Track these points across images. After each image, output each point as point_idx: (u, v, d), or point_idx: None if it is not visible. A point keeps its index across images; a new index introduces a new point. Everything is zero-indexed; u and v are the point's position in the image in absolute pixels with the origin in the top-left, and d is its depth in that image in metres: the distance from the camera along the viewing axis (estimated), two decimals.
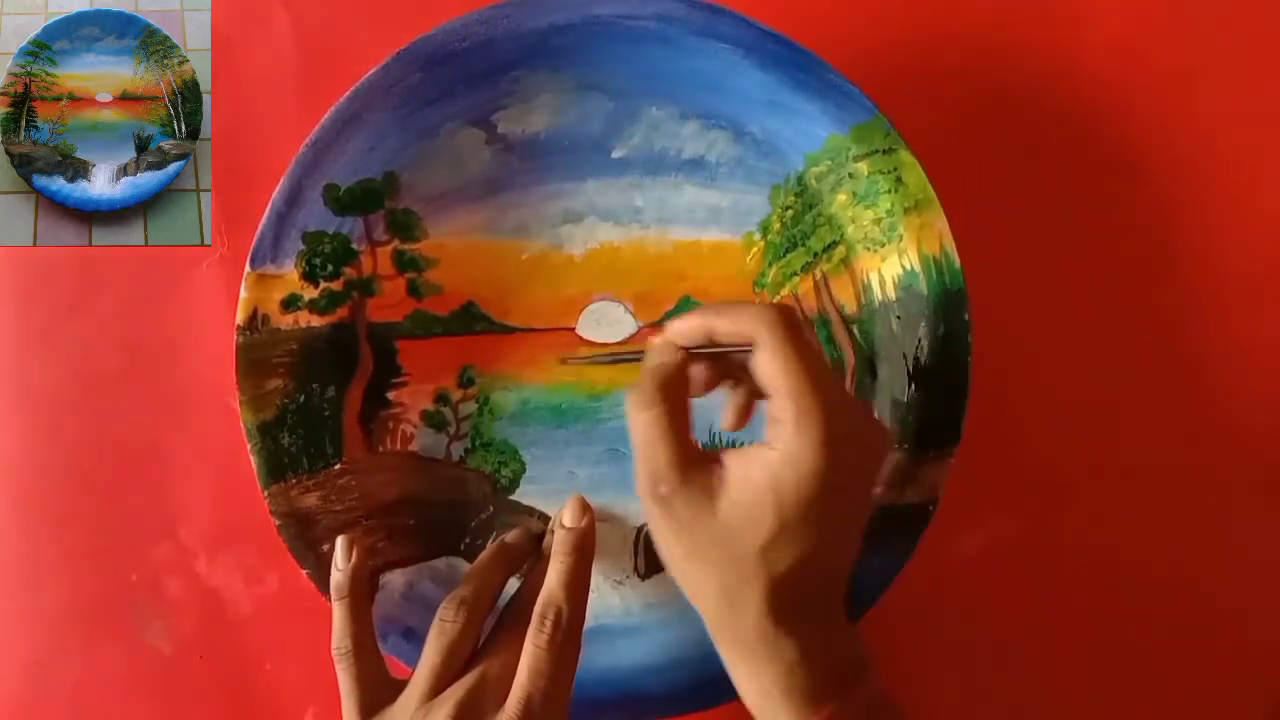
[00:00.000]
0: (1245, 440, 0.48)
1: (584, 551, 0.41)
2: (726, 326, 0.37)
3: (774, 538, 0.34)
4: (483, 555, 0.43)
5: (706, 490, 0.35)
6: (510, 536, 0.44)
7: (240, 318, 0.43)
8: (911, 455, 0.43)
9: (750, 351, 0.36)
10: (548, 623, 0.39)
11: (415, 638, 0.43)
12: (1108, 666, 0.48)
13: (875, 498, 0.40)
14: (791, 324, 0.36)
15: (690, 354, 0.38)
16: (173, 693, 0.48)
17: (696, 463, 0.36)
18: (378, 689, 0.40)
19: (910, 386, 0.44)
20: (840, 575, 0.37)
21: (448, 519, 0.46)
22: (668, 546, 0.37)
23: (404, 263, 0.45)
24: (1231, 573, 0.48)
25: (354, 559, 0.42)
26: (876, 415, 0.40)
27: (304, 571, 0.44)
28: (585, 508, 0.42)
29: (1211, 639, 0.48)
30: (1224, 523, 0.48)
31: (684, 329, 0.38)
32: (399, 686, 0.40)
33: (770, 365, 0.35)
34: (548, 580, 0.40)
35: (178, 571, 0.48)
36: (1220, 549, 0.48)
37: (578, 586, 0.40)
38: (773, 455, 0.35)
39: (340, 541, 0.43)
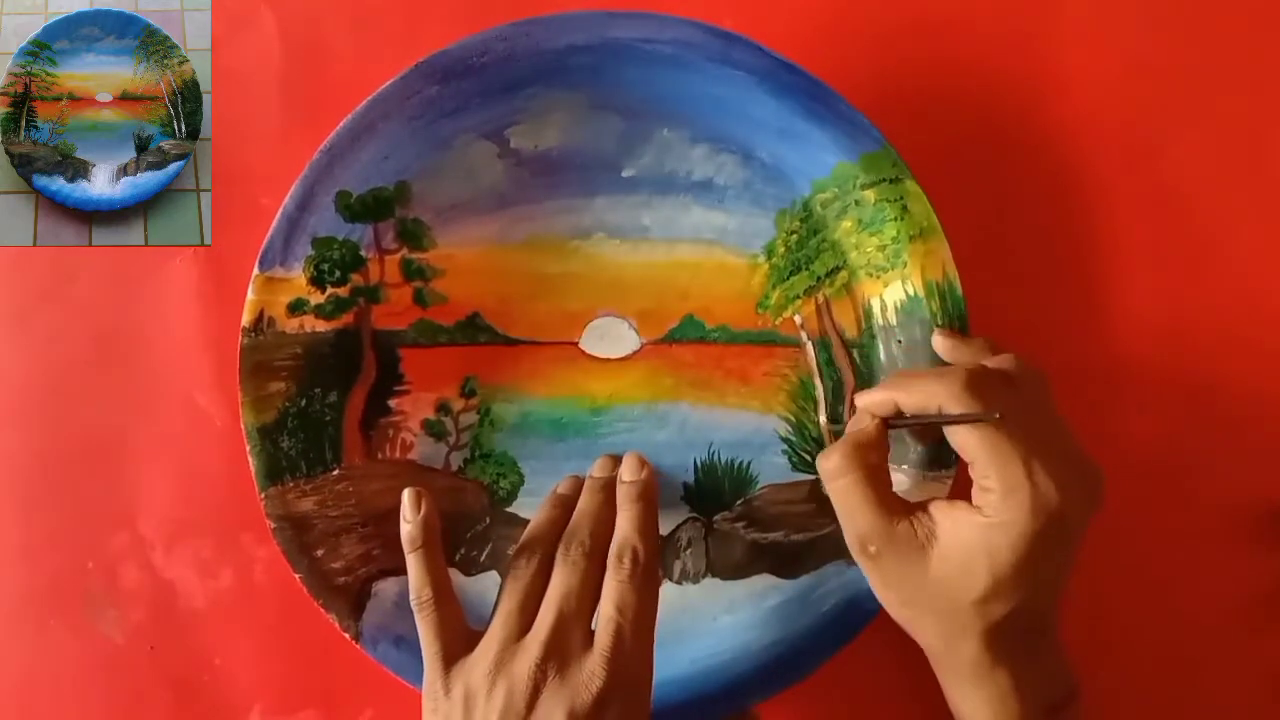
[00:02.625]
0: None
1: (648, 498, 0.42)
2: (911, 401, 0.38)
3: (987, 594, 0.36)
4: (541, 507, 0.43)
5: (915, 545, 0.37)
6: (562, 487, 0.45)
7: (246, 319, 0.43)
8: (912, 476, 0.44)
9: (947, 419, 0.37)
10: (626, 560, 0.40)
11: (406, 646, 0.43)
12: None
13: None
14: (977, 391, 0.36)
15: (888, 424, 0.39)
16: (122, 682, 0.48)
17: (901, 517, 0.37)
18: (458, 637, 0.41)
19: None
20: (1053, 609, 0.38)
21: (444, 529, 0.45)
22: (882, 596, 0.39)
23: (411, 271, 0.45)
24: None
25: (424, 509, 0.42)
26: (1084, 457, 0.38)
27: (296, 575, 0.43)
28: (642, 462, 0.43)
29: None
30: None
31: (874, 401, 0.39)
32: (477, 636, 0.40)
33: (965, 438, 0.36)
34: (619, 527, 0.41)
35: (134, 562, 0.48)
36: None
37: (648, 528, 0.41)
38: (983, 520, 0.36)
39: (408, 494, 0.43)
